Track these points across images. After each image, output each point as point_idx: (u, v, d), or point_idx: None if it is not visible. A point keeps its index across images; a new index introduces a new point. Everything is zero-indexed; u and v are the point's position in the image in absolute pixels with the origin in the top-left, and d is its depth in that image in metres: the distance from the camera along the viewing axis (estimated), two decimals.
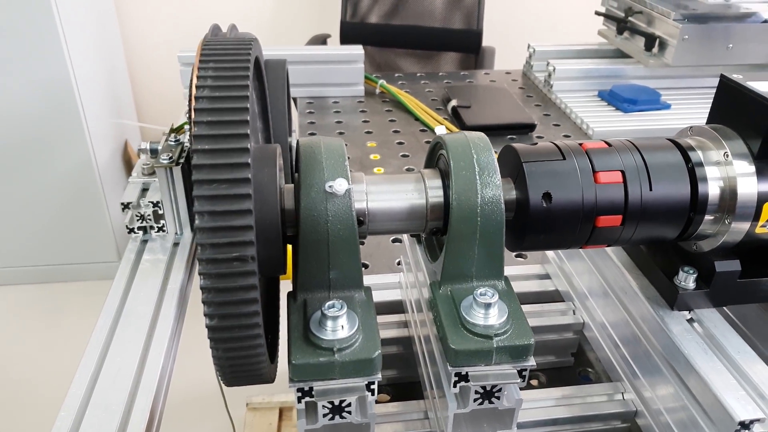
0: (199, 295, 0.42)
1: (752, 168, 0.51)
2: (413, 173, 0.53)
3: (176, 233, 0.71)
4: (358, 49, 1.48)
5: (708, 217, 0.52)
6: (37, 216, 2.33)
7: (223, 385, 0.50)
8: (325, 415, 0.46)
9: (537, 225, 0.51)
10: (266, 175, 0.47)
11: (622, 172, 0.51)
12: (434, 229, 0.52)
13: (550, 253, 0.80)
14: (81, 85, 2.14)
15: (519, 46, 1.79)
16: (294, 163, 0.58)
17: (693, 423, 0.51)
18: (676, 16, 1.37)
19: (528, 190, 0.50)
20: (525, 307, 0.49)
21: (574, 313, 0.72)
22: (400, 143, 1.29)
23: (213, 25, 0.62)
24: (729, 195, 0.51)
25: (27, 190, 2.28)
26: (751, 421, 0.46)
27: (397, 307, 0.72)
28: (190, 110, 0.55)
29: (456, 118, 1.37)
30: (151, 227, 0.70)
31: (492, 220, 0.48)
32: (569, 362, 0.72)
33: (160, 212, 0.69)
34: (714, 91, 0.57)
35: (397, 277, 0.75)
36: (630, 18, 1.52)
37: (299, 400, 0.45)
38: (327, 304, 0.46)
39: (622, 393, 0.62)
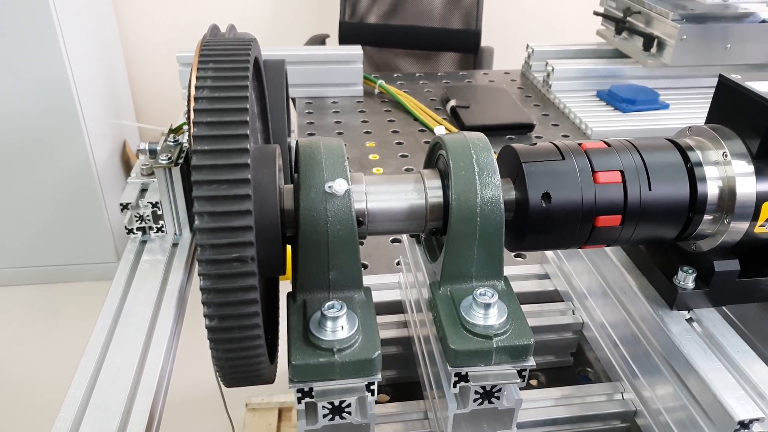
0: (198, 296, 0.42)
1: (751, 168, 0.51)
2: (413, 173, 0.53)
3: (175, 234, 0.71)
4: (356, 50, 1.48)
5: (707, 217, 0.52)
6: (36, 216, 2.33)
7: (222, 385, 0.50)
8: (325, 416, 0.46)
9: (536, 225, 0.51)
10: (266, 175, 0.47)
11: (622, 172, 0.51)
12: (434, 230, 0.52)
13: (549, 253, 0.80)
14: (79, 85, 2.14)
15: (518, 47, 1.79)
16: (293, 163, 0.58)
17: (692, 422, 0.51)
18: (675, 16, 1.37)
19: (527, 191, 0.50)
20: (524, 307, 0.49)
21: (573, 313, 0.72)
22: (399, 143, 1.29)
23: (212, 25, 0.61)
24: (728, 195, 0.51)
25: (25, 190, 2.27)
26: (751, 421, 0.46)
27: (396, 307, 0.72)
28: (189, 111, 0.55)
29: (455, 118, 1.37)
30: (150, 228, 0.70)
31: (491, 221, 0.48)
32: (568, 362, 0.72)
33: (159, 213, 0.69)
34: (712, 91, 0.57)
35: (397, 277, 0.75)
36: (628, 18, 1.52)
37: (299, 400, 0.45)
38: (327, 304, 0.46)
39: (622, 393, 0.62)
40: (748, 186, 0.51)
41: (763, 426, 0.46)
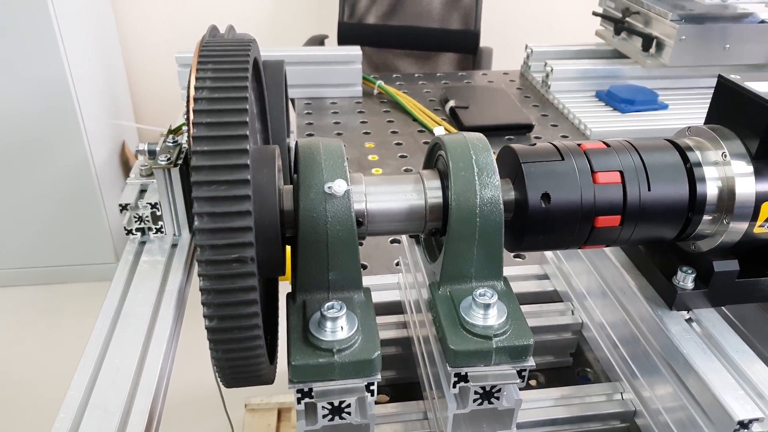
0: (197, 297, 0.42)
1: (750, 168, 0.51)
2: (412, 174, 0.53)
3: (174, 234, 0.71)
4: (355, 50, 1.48)
5: (706, 217, 0.52)
6: (34, 217, 2.33)
7: (221, 386, 0.50)
8: (324, 416, 0.46)
9: (536, 225, 0.51)
10: (265, 176, 0.47)
11: (621, 172, 0.51)
12: (433, 230, 0.52)
13: (548, 254, 0.80)
14: (78, 85, 2.14)
15: (517, 47, 1.79)
16: (292, 164, 0.58)
17: (692, 422, 0.51)
18: (674, 16, 1.37)
19: (527, 191, 0.50)
20: (523, 308, 0.49)
21: (572, 314, 0.72)
22: (398, 144, 1.30)
23: (211, 25, 0.62)
24: (727, 195, 0.51)
25: (24, 191, 2.27)
26: (750, 421, 0.46)
27: (395, 307, 0.72)
28: (188, 111, 0.55)
29: (454, 118, 1.37)
30: (149, 229, 0.70)
31: (491, 221, 0.48)
32: (568, 362, 0.72)
33: (158, 214, 0.69)
34: (711, 91, 0.57)
35: (396, 277, 0.75)
36: (627, 18, 1.52)
37: (299, 401, 0.45)
38: (326, 305, 0.46)
39: (621, 393, 0.62)
40: (747, 186, 0.51)
41: (762, 426, 0.46)
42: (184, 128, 0.74)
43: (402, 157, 1.24)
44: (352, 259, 0.48)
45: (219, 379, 0.48)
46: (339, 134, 1.34)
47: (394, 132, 1.35)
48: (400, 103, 1.45)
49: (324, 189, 0.47)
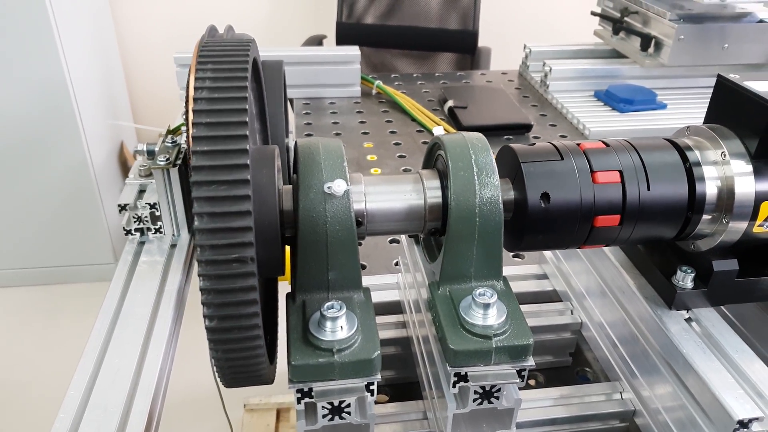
0: (197, 297, 0.42)
1: (750, 167, 0.51)
2: (411, 174, 0.53)
3: (173, 235, 0.71)
4: (354, 50, 1.48)
5: (706, 217, 0.52)
6: (33, 218, 2.33)
7: (221, 386, 0.50)
8: (324, 416, 0.46)
9: (535, 225, 0.51)
10: (265, 176, 0.47)
11: (620, 172, 0.51)
12: (432, 230, 0.52)
13: (547, 253, 0.80)
14: (76, 86, 2.14)
15: (515, 47, 1.79)
16: (292, 164, 0.58)
17: (691, 422, 0.51)
18: (672, 16, 1.37)
19: (526, 191, 0.50)
20: (523, 308, 0.49)
21: (571, 313, 0.72)
22: (397, 144, 1.30)
23: (210, 26, 0.62)
24: (726, 194, 0.51)
25: (22, 192, 2.27)
26: (750, 420, 0.46)
27: (395, 307, 0.72)
28: (187, 111, 0.55)
29: (453, 118, 1.37)
30: (148, 229, 0.70)
31: (490, 221, 0.48)
32: (567, 362, 0.72)
33: (157, 214, 0.69)
34: (710, 90, 0.57)
35: (395, 277, 0.75)
36: (626, 18, 1.52)
37: (299, 401, 0.45)
38: (326, 305, 0.46)
39: (621, 392, 0.62)
40: (746, 186, 0.51)
41: (762, 425, 0.46)
42: (183, 128, 0.74)
43: (401, 157, 1.24)
44: (352, 258, 0.48)
45: (219, 379, 0.48)
46: (338, 134, 1.34)
47: (392, 132, 1.35)
48: (399, 103, 1.45)
49: (323, 189, 0.47)
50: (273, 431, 1.83)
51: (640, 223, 0.52)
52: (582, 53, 1.59)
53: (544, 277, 0.80)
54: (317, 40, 2.35)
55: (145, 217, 0.69)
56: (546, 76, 1.51)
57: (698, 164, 0.52)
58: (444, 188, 0.51)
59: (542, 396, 0.61)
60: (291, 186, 0.50)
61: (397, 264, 0.90)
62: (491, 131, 1.29)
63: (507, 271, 0.53)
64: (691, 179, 0.52)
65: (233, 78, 0.43)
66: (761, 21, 1.40)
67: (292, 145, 0.72)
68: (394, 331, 0.68)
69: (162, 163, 0.67)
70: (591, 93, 1.48)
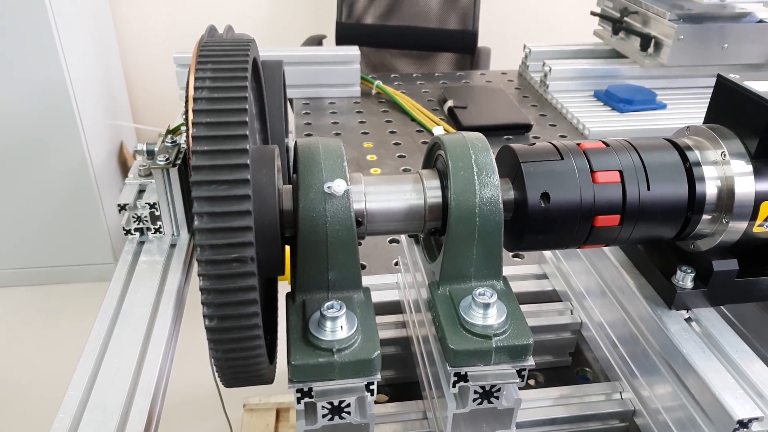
0: (196, 297, 0.42)
1: (749, 167, 0.51)
2: (411, 174, 0.53)
3: (173, 235, 0.71)
4: (354, 50, 1.48)
5: (706, 217, 0.52)
6: (33, 218, 2.33)
7: (220, 386, 0.50)
8: (324, 416, 0.46)
9: (535, 225, 0.51)
10: (265, 176, 0.47)
11: (620, 171, 0.51)
12: (432, 230, 0.52)
13: (547, 253, 0.80)
14: (76, 86, 2.14)
15: (515, 47, 1.79)
16: (292, 164, 0.58)
17: (691, 422, 0.51)
18: (672, 16, 1.37)
19: (526, 190, 0.50)
20: (522, 307, 0.49)
21: (571, 313, 0.72)
22: (397, 144, 1.29)
23: (209, 26, 0.62)
24: (726, 194, 0.51)
25: (22, 192, 2.27)
26: (750, 420, 0.46)
27: (394, 307, 0.72)
28: (187, 111, 0.55)
29: (452, 118, 1.37)
30: (148, 229, 0.70)
31: (490, 221, 0.48)
32: (567, 362, 0.72)
33: (157, 214, 0.69)
34: (710, 91, 0.57)
35: (395, 277, 0.75)
36: (625, 18, 1.52)
37: (299, 400, 0.45)
38: (326, 304, 0.46)
39: (620, 392, 0.62)
40: (746, 185, 0.51)
41: (762, 425, 0.46)
42: (183, 128, 0.74)
43: (400, 157, 1.24)
44: (352, 258, 0.48)
45: (219, 379, 0.47)
46: (337, 134, 1.34)
47: (392, 132, 1.35)
48: (399, 103, 1.45)
49: (323, 189, 0.47)
50: (272, 431, 1.83)
51: (640, 223, 0.52)
52: (582, 53, 1.59)
53: (544, 276, 0.80)
54: (317, 40, 2.35)
55: (145, 216, 0.69)
56: (546, 76, 1.51)
57: (698, 164, 0.52)
58: (444, 188, 0.51)
59: (542, 396, 0.61)
60: (291, 186, 0.50)
61: (396, 264, 0.90)
62: (491, 131, 1.29)
63: (507, 271, 0.53)
64: (691, 179, 0.52)
65: (233, 78, 0.43)
66: (761, 21, 1.40)
67: (291, 145, 0.73)
68: (393, 331, 0.68)
69: (162, 162, 0.67)
70: (591, 93, 1.48)
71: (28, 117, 2.12)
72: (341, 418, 0.46)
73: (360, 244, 0.50)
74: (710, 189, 0.52)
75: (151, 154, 0.70)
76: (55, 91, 2.09)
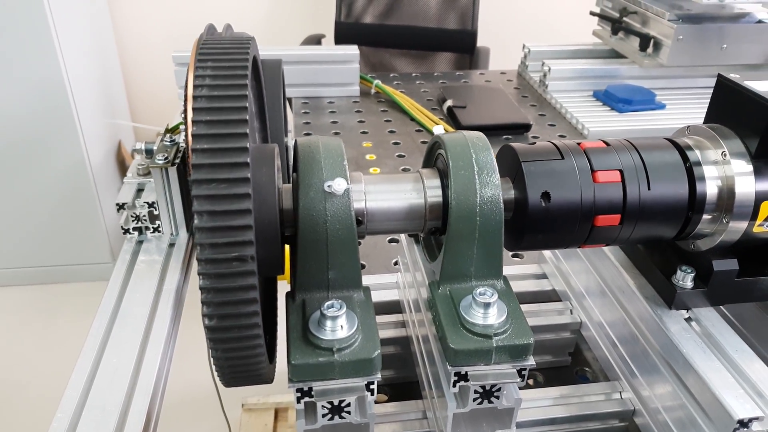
0: (195, 297, 0.42)
1: (750, 167, 0.51)
2: (412, 173, 0.53)
3: (172, 234, 0.70)
4: (353, 49, 1.48)
5: (706, 217, 0.52)
6: (31, 217, 2.32)
7: (219, 385, 0.50)
8: (324, 416, 0.46)
9: (536, 224, 0.51)
10: (265, 174, 0.47)
11: (621, 171, 0.51)
12: (433, 229, 0.52)
13: (547, 253, 0.80)
14: (74, 85, 2.13)
15: (514, 47, 1.79)
16: (291, 162, 0.58)
17: (691, 422, 0.51)
18: (671, 16, 1.37)
19: (527, 190, 0.50)
20: (522, 307, 0.49)
21: (571, 313, 0.72)
22: (396, 143, 1.29)
23: (208, 24, 0.61)
24: (727, 194, 0.51)
25: (20, 191, 2.26)
26: (750, 420, 0.46)
27: (394, 307, 0.72)
28: (185, 110, 0.54)
29: (452, 118, 1.37)
30: (147, 228, 0.70)
31: (491, 220, 0.48)
32: (566, 362, 0.72)
33: (156, 213, 0.69)
34: (709, 90, 0.57)
35: (395, 277, 0.75)
36: (625, 18, 1.52)
37: (298, 400, 0.45)
38: (326, 304, 0.46)
39: (620, 392, 0.62)
40: (747, 185, 0.51)
41: (762, 425, 0.46)
42: (182, 127, 0.74)
43: (400, 156, 1.24)
44: (352, 258, 0.48)
45: (218, 379, 0.47)
46: (336, 133, 1.34)
47: (391, 131, 1.35)
48: (398, 102, 1.45)
49: (324, 188, 0.47)
50: (271, 431, 1.83)
51: (640, 222, 0.52)
52: (581, 53, 1.59)
53: (544, 276, 0.80)
54: (316, 40, 2.35)
55: (144, 216, 0.69)
56: (545, 75, 1.51)
57: (698, 164, 0.52)
58: (444, 187, 0.51)
59: (542, 396, 0.61)
60: (291, 185, 0.50)
61: (396, 263, 0.90)
62: (490, 131, 1.27)
63: (506, 270, 0.53)
64: (692, 179, 0.52)
65: (233, 76, 0.43)
66: (760, 21, 1.40)
67: (291, 144, 0.72)
68: (393, 330, 0.68)
69: (160, 161, 0.67)
70: (590, 93, 1.48)
71: (26, 116, 2.12)
72: (341, 417, 0.46)
73: (360, 243, 0.49)
74: (710, 189, 0.52)
75: (149, 153, 0.69)
76: (53, 91, 2.09)
